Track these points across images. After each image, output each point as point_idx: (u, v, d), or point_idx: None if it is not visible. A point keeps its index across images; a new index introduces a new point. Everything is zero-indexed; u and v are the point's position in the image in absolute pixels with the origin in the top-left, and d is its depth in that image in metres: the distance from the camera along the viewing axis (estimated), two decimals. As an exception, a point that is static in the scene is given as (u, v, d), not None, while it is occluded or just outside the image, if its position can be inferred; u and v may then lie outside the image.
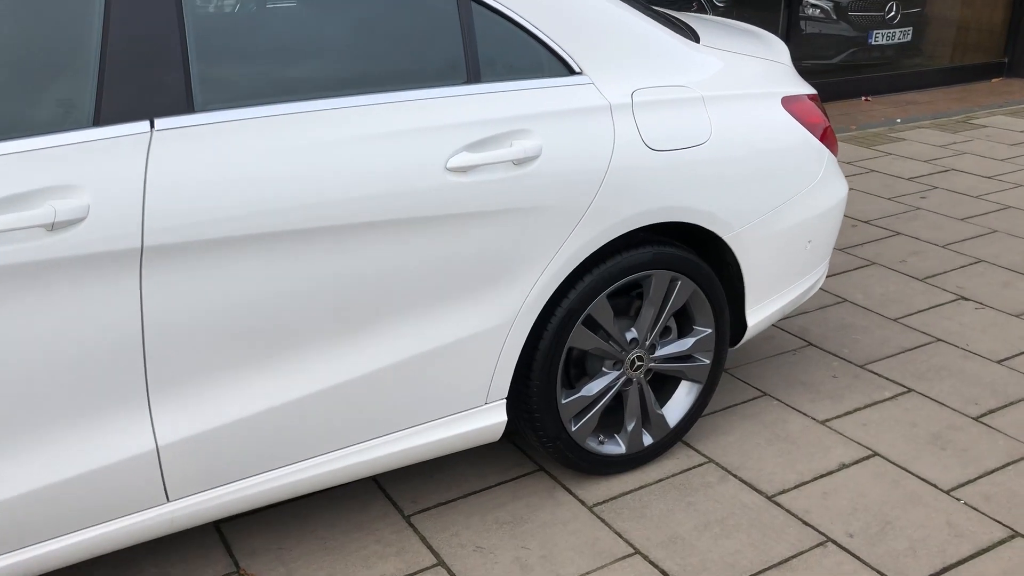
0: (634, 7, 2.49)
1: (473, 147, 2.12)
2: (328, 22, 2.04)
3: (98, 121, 1.78)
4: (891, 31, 7.56)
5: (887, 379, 3.16)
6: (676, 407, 2.71)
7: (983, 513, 2.48)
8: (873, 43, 7.49)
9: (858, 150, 5.90)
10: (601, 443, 2.62)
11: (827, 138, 2.78)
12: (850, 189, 5.15)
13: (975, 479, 2.63)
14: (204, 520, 2.08)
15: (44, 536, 1.89)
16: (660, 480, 2.63)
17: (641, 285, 2.54)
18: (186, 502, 2.03)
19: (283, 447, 2.10)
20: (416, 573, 2.29)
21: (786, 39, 6.95)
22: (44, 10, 1.76)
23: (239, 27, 1.96)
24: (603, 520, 2.47)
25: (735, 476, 2.64)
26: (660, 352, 2.61)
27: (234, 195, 1.87)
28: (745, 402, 3.03)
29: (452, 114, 2.11)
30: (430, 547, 2.37)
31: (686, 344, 2.64)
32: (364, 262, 2.04)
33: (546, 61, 2.29)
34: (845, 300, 3.77)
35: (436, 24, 2.15)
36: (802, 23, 7.12)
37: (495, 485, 2.62)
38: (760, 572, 2.29)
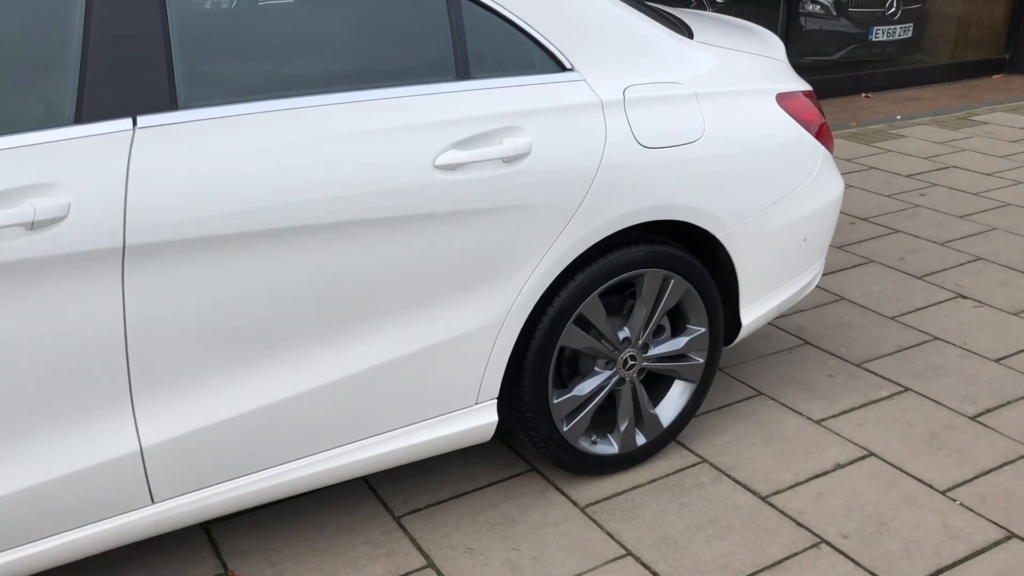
0: (627, 3, 2.47)
1: (462, 144, 2.10)
2: (315, 18, 2.01)
3: (79, 119, 1.75)
4: (891, 27, 7.52)
5: (884, 378, 3.13)
6: (670, 407, 2.68)
7: (978, 514, 2.46)
8: (873, 39, 7.46)
9: (858, 147, 5.87)
10: (594, 443, 2.59)
11: (822, 135, 2.75)
12: (849, 186, 5.12)
13: (971, 479, 2.60)
14: (191, 522, 2.06)
15: (27, 538, 1.87)
16: (653, 480, 2.61)
17: (634, 284, 2.51)
18: (172, 503, 2.01)
19: (270, 448, 2.08)
20: (406, 575, 2.27)
21: (786, 35, 6.92)
22: (24, 5, 1.73)
23: (224, 23, 1.93)
24: (595, 521, 2.45)
25: (729, 476, 2.62)
26: (653, 351, 2.58)
27: (218, 193, 1.84)
28: (740, 401, 3.00)
29: (441, 111, 2.09)
30: (420, 549, 2.35)
31: (680, 343, 2.62)
32: (351, 261, 2.01)
33: (537, 57, 2.26)
34: (842, 298, 3.75)
35: (425, 20, 2.13)
36: (802, 19, 7.09)
37: (487, 485, 2.59)
38: (753, 574, 2.26)
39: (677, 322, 2.65)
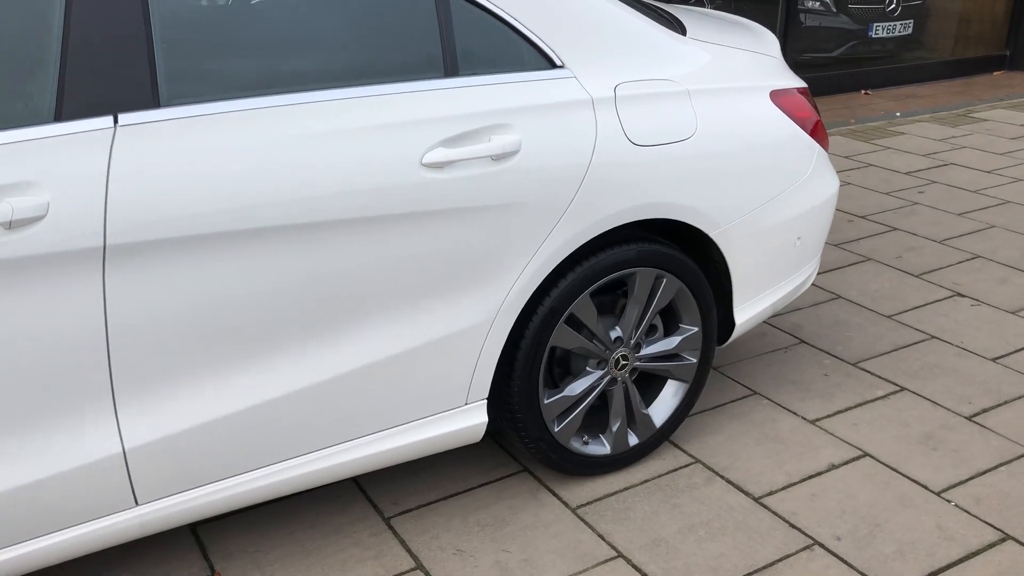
0: (618, -1, 2.44)
1: (450, 142, 2.07)
2: (300, 15, 1.99)
3: (59, 116, 1.73)
4: (891, 24, 7.49)
5: (879, 377, 3.11)
6: (662, 407, 2.66)
7: (974, 515, 2.43)
8: (873, 36, 7.42)
9: (856, 144, 5.84)
10: (585, 443, 2.57)
11: (817, 132, 2.73)
12: (848, 183, 5.09)
13: (966, 480, 2.58)
14: (176, 524, 2.04)
15: (8, 542, 1.84)
16: (645, 481, 2.58)
17: (626, 283, 2.49)
18: (156, 505, 1.99)
19: (257, 450, 2.05)
20: (394, 577, 2.25)
21: (785, 32, 6.89)
22: (2, 1, 1.71)
23: (207, 20, 1.90)
24: (586, 522, 2.43)
25: (722, 477, 2.60)
26: (646, 351, 2.56)
27: (201, 192, 1.82)
28: (734, 401, 2.98)
29: (428, 108, 2.06)
30: (409, 550, 2.33)
31: (672, 343, 2.59)
32: (337, 260, 1.99)
33: (526, 54, 2.24)
34: (839, 296, 3.72)
35: (412, 16, 2.10)
36: (801, 16, 7.06)
37: (478, 486, 2.57)
38: (745, 576, 2.24)
39: (670, 321, 2.63)
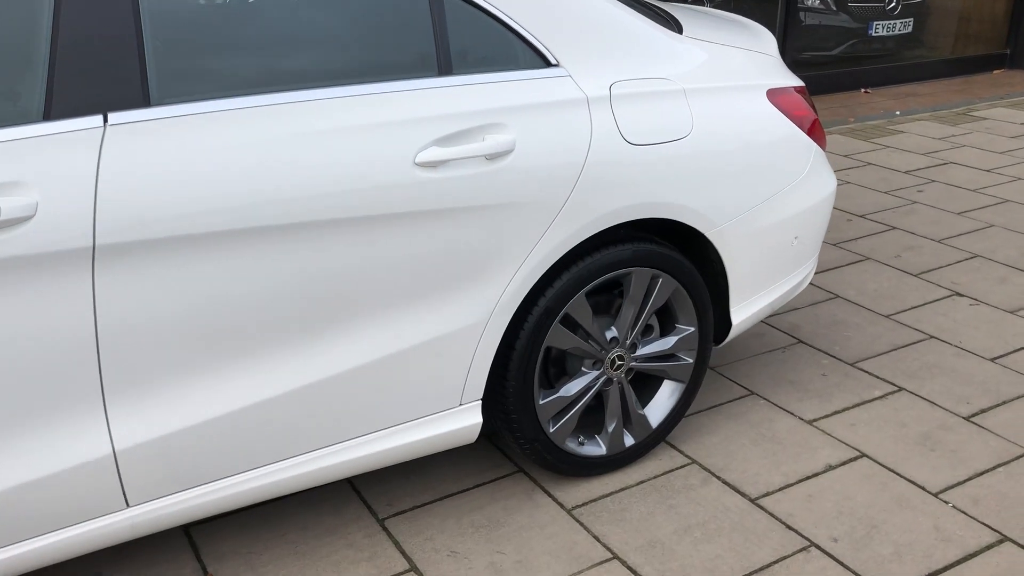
0: (614, -3, 2.42)
1: (443, 141, 2.06)
2: (292, 13, 1.97)
3: (48, 115, 1.71)
4: (891, 22, 7.47)
5: (877, 377, 3.09)
6: (658, 407, 2.64)
7: (971, 517, 2.42)
8: (873, 34, 7.40)
9: (856, 143, 5.83)
10: (581, 444, 2.56)
11: (814, 132, 2.71)
12: (847, 182, 5.07)
13: (964, 481, 2.56)
14: (168, 525, 2.02)
15: (-2, 543, 1.83)
16: (641, 482, 2.57)
17: (621, 283, 2.47)
18: (147, 507, 1.97)
19: (249, 451, 2.04)
20: (388, 578, 2.24)
21: (785, 30, 6.87)
22: (-10, 0, 1.69)
23: (199, 18, 1.89)
24: (581, 523, 2.41)
25: (718, 478, 2.58)
26: (641, 351, 2.54)
27: (192, 191, 1.81)
28: (731, 401, 2.96)
29: (422, 107, 2.05)
30: (403, 552, 2.32)
31: (668, 343, 2.58)
32: (330, 260, 1.98)
33: (521, 53, 2.22)
34: (837, 296, 3.71)
35: (406, 14, 2.09)
36: (801, 14, 7.04)
37: (472, 487, 2.56)
38: (741, 578, 2.23)
39: (666, 321, 2.61)
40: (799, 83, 2.74)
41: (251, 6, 1.94)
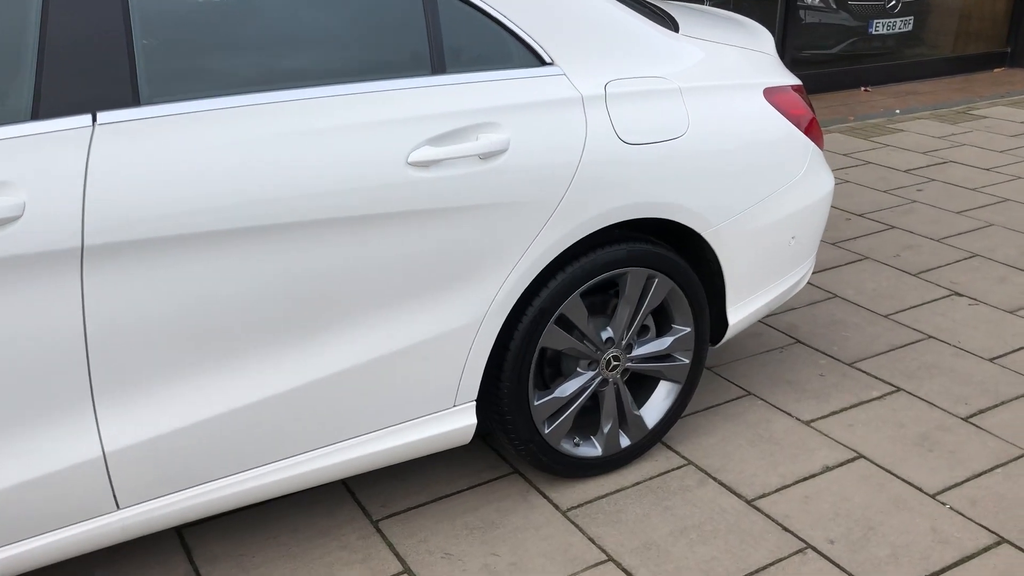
0: (609, -5, 2.41)
1: (436, 141, 2.04)
2: (283, 11, 1.95)
3: (36, 115, 1.70)
4: (892, 20, 7.45)
5: (875, 378, 3.08)
6: (655, 408, 2.63)
7: (969, 518, 2.40)
8: (873, 32, 7.38)
9: (855, 141, 5.81)
10: (576, 445, 2.54)
11: (812, 131, 2.69)
12: (846, 181, 5.06)
13: (962, 482, 2.55)
14: (159, 528, 2.01)
15: (-14, 546, 1.82)
16: (637, 483, 2.55)
17: (617, 283, 2.46)
18: (138, 509, 1.96)
19: (240, 453, 2.03)
20: (381, 581, 2.22)
21: (784, 28, 6.85)
22: (-23, -2, 1.68)
23: (189, 16, 1.87)
24: (577, 525, 2.40)
25: (715, 479, 2.57)
26: (637, 352, 2.53)
27: (182, 191, 1.79)
28: (728, 402, 2.95)
29: (414, 106, 2.03)
30: (397, 554, 2.30)
31: (664, 343, 2.56)
32: (321, 261, 1.96)
33: (515, 51, 2.20)
34: (836, 296, 3.69)
35: (398, 12, 2.07)
36: (801, 12, 7.02)
37: (467, 488, 2.54)
38: (736, 580, 2.22)
39: (662, 322, 2.60)
40: (796, 82, 2.72)
41: (243, 5, 1.92)
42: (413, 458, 2.32)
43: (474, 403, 2.30)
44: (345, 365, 2.06)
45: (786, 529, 2.37)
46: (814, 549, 2.30)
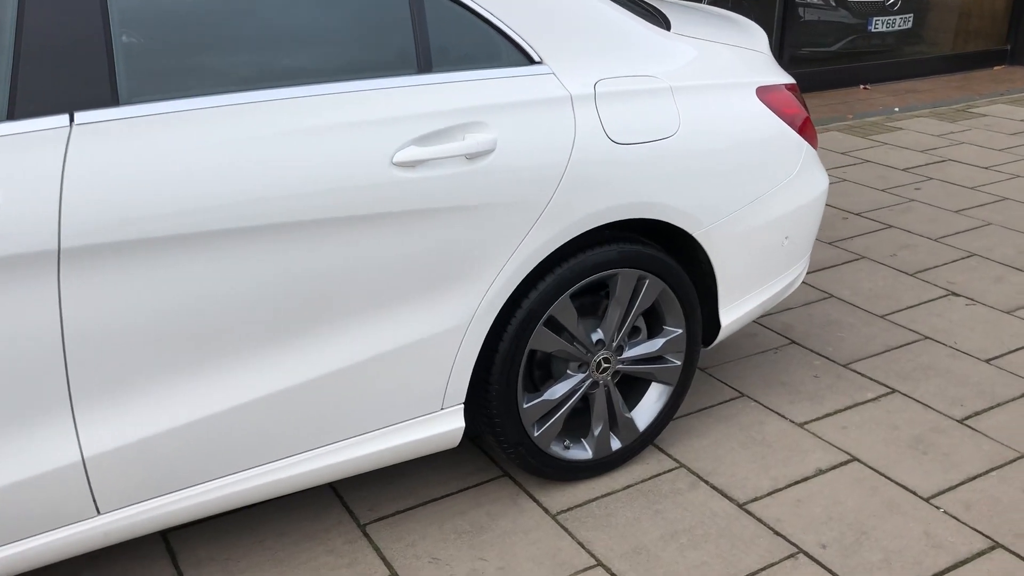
0: (599, -7, 2.38)
1: (421, 140, 2.01)
2: (266, 9, 1.92)
3: (12, 114, 1.67)
4: (891, 18, 7.41)
5: (870, 379, 3.05)
6: (646, 410, 2.60)
7: (963, 522, 2.38)
8: (873, 30, 7.35)
9: (853, 140, 5.78)
10: (567, 448, 2.51)
11: (805, 130, 2.66)
12: (843, 180, 5.02)
13: (956, 486, 2.52)
14: (142, 532, 1.98)
15: (-36, 552, 1.80)
16: (628, 486, 2.53)
17: (607, 284, 2.43)
18: (119, 515, 1.93)
19: (224, 457, 2.00)
20: (367, 586, 2.20)
21: (783, 26, 6.82)
22: (-48, -3, 1.65)
23: (169, 15, 1.84)
24: (566, 529, 2.37)
25: (706, 482, 2.54)
26: (628, 353, 2.50)
27: (162, 193, 1.76)
28: (721, 403, 2.92)
29: (399, 106, 2.00)
30: (384, 558, 2.28)
31: (656, 345, 2.53)
32: (305, 262, 1.93)
33: (503, 50, 2.18)
34: (831, 296, 3.66)
35: (384, 10, 2.04)
36: (800, 9, 6.98)
37: (456, 492, 2.52)
38: (726, 585, 2.19)
39: (653, 323, 2.57)
40: (790, 80, 2.69)
41: (224, 3, 1.89)
42: (401, 461, 2.29)
43: (462, 406, 2.28)
44: (328, 368, 2.04)
45: (777, 533, 2.35)
46: (806, 554, 2.28)
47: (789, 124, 2.60)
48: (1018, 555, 2.26)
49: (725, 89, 2.48)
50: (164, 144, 1.77)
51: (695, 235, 2.43)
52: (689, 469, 2.60)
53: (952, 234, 4.27)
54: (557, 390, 2.42)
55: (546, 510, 2.44)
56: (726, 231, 2.48)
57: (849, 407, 2.89)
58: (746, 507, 2.44)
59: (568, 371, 2.43)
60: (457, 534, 2.36)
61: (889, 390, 2.98)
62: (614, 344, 2.45)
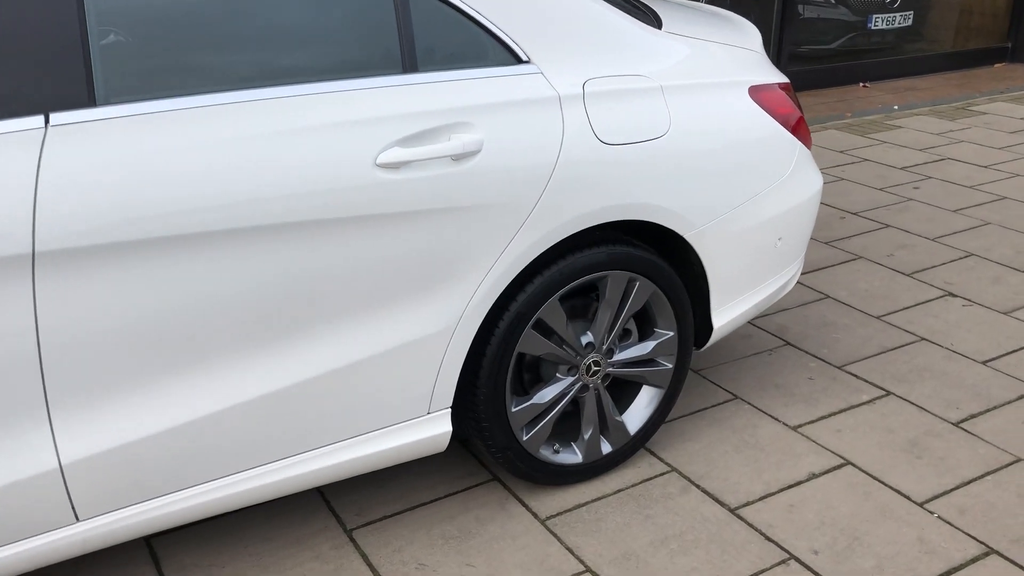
0: (589, -9, 2.34)
1: (406, 141, 1.98)
2: (248, 8, 1.89)
3: (-15, 116, 1.64)
4: (891, 15, 7.37)
5: (865, 381, 3.02)
6: (637, 414, 2.57)
7: (957, 528, 2.34)
8: (873, 28, 7.31)
9: (852, 138, 5.74)
10: (556, 452, 2.48)
11: (799, 130, 2.63)
12: (841, 179, 4.99)
13: (951, 490, 2.49)
14: (122, 539, 1.95)
15: (-61, 560, 1.77)
16: (618, 491, 2.50)
17: (597, 286, 2.40)
18: (99, 521, 1.90)
19: (206, 462, 1.97)
20: (353, 592, 2.17)
21: (782, 23, 6.78)
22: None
23: (147, 13, 1.81)
24: (555, 534, 2.34)
25: (698, 486, 2.51)
26: (619, 356, 2.47)
27: (139, 196, 1.73)
28: (715, 406, 2.89)
29: (383, 106, 1.97)
30: (370, 564, 2.25)
31: (647, 348, 2.50)
32: (287, 265, 1.90)
33: (490, 49, 2.14)
34: (827, 296, 3.63)
35: (368, 9, 2.01)
36: (799, 7, 6.94)
37: (445, 496, 2.49)
38: (717, 592, 2.16)
39: (644, 326, 2.54)
40: (783, 79, 2.66)
41: (205, 2, 1.86)
42: (387, 466, 2.26)
43: (449, 410, 2.25)
44: (312, 372, 2.01)
45: (769, 539, 2.32)
46: (797, 560, 2.25)
47: (782, 124, 2.57)
48: (1013, 561, 2.23)
49: (717, 88, 2.45)
50: (141, 146, 1.74)
51: (686, 236, 2.40)
52: (681, 473, 2.57)
53: (950, 234, 4.23)
54: (546, 393, 2.39)
55: (535, 515, 2.41)
56: (718, 232, 2.45)
57: (843, 410, 2.86)
58: (738, 512, 2.41)
59: (557, 374, 2.40)
60: (444, 539, 2.33)
61: (884, 392, 2.95)
62: (604, 347, 2.42)
